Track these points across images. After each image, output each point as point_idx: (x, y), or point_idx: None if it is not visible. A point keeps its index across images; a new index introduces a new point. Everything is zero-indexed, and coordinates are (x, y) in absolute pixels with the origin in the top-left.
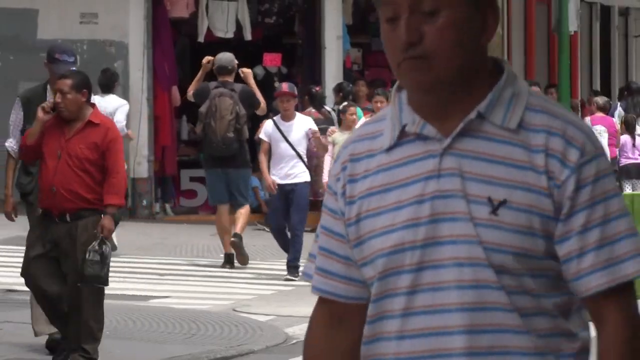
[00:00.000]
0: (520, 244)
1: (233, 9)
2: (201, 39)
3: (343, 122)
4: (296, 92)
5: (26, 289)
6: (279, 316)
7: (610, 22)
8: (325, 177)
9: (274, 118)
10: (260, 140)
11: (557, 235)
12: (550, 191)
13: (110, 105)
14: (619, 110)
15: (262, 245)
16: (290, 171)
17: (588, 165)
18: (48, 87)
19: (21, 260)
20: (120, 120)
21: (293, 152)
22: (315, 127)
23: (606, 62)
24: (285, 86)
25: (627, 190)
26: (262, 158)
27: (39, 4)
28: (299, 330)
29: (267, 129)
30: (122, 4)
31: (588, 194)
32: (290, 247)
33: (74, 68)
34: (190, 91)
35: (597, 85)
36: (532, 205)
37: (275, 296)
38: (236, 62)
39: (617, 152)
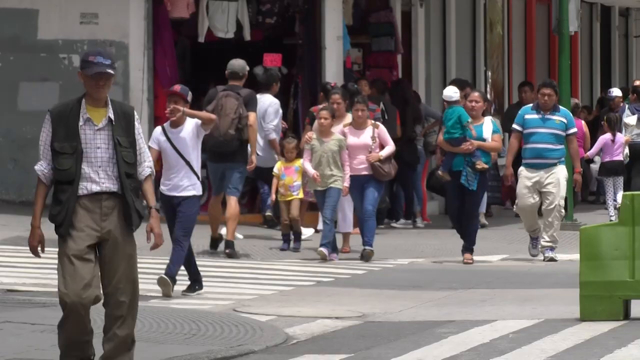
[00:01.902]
0: None
1: (233, 9)
2: (201, 39)
3: (317, 128)
4: (188, 96)
5: (26, 288)
6: (279, 316)
7: (611, 23)
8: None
9: (164, 124)
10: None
11: None
12: None
13: (265, 104)
14: (627, 112)
15: (262, 245)
16: (179, 183)
17: None
18: (83, 100)
19: (21, 260)
20: (271, 121)
21: (182, 162)
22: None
23: (606, 62)
24: (177, 87)
25: (609, 187)
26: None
27: (39, 4)
28: (300, 331)
29: (155, 135)
30: (122, 5)
31: None
32: (172, 258)
33: (110, 70)
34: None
35: (597, 86)
36: None
37: (275, 296)
38: (247, 69)
39: (599, 151)
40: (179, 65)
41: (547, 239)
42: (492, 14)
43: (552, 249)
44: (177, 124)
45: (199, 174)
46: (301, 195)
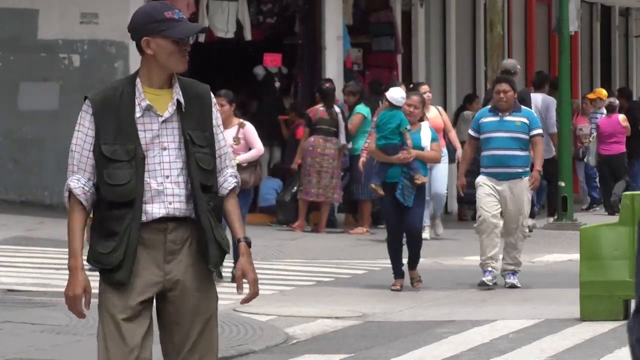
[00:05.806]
0: None
1: (233, 9)
2: (201, 39)
3: None
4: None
5: (26, 288)
6: (279, 316)
7: (611, 22)
8: None
9: None
10: None
11: None
12: None
13: (539, 102)
14: None
15: (262, 245)
16: None
17: None
18: (138, 80)
19: (22, 260)
20: (551, 116)
21: None
22: None
23: (606, 62)
24: None
25: None
26: None
27: (39, 4)
28: (299, 330)
29: None
30: (122, 4)
31: None
32: None
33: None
34: None
35: (598, 86)
36: None
37: (275, 296)
38: (518, 67)
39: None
40: None
41: (510, 262)
42: (492, 13)
43: (514, 273)
44: None
45: None
46: None
